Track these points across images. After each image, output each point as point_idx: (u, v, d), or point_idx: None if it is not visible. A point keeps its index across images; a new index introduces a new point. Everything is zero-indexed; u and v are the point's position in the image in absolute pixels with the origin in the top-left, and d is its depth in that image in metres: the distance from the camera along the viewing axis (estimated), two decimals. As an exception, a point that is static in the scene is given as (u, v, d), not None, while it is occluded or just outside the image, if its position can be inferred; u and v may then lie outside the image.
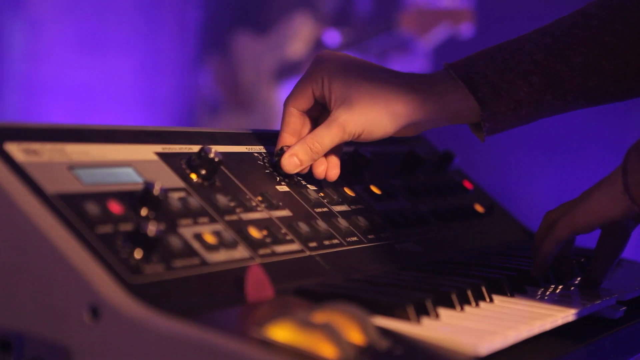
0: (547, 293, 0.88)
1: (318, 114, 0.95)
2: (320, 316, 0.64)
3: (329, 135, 0.90)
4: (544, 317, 0.77)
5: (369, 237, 0.92)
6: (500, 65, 0.93)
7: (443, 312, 0.75)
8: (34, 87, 4.83)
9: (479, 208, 1.12)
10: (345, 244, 0.89)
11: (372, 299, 0.73)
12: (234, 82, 2.97)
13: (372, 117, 0.90)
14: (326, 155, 0.94)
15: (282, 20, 2.88)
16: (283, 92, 2.87)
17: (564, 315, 0.79)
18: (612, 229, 0.92)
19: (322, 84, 0.91)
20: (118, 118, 4.27)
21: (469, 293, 0.79)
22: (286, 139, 0.93)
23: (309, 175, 0.94)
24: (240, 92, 2.94)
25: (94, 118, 4.50)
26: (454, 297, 0.77)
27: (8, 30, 5.09)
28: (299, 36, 2.85)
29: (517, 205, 1.33)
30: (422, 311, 0.72)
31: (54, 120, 4.73)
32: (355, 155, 1.02)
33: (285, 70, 2.86)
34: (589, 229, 0.88)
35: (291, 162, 0.90)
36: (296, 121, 0.94)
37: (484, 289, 0.81)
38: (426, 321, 0.72)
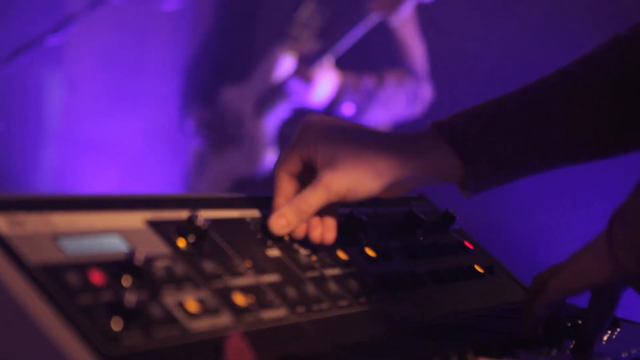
0: (539, 357, 0.88)
1: (309, 178, 0.96)
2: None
3: (315, 195, 0.92)
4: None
5: (361, 300, 0.92)
6: (484, 124, 0.95)
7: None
8: (71, 141, 4.91)
9: (478, 268, 1.12)
10: (335, 308, 0.89)
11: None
12: (219, 126, 3.01)
13: (356, 176, 0.92)
14: (322, 218, 0.96)
15: (263, 59, 2.89)
16: (268, 121, 2.89)
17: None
18: (601, 290, 0.92)
19: (309, 147, 0.94)
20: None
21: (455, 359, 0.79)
22: (279, 203, 0.95)
23: (303, 239, 0.95)
24: (225, 133, 2.98)
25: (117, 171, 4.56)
26: (436, 364, 0.76)
27: (48, 84, 5.20)
28: (281, 67, 2.87)
29: (520, 265, 1.33)
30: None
31: (87, 173, 4.79)
32: (350, 217, 1.02)
33: (268, 100, 2.87)
34: (578, 292, 0.88)
35: (278, 223, 0.92)
36: (288, 185, 0.95)
37: (469, 355, 0.81)
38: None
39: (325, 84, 2.70)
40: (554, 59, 1.12)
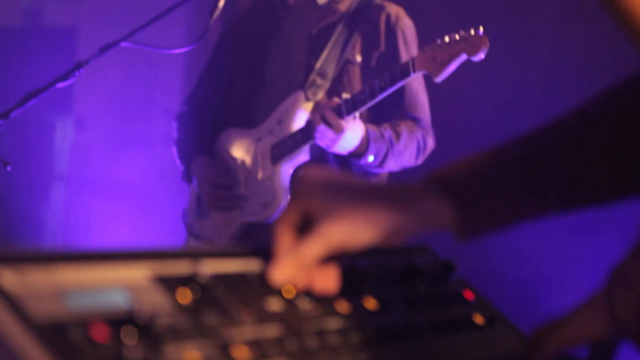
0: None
1: (308, 230, 0.98)
2: None
3: (313, 245, 0.94)
4: None
5: (361, 353, 0.93)
6: (479, 173, 0.98)
7: None
8: (78, 180, 4.94)
9: (478, 319, 1.13)
10: (335, 361, 0.90)
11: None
12: (226, 178, 2.97)
13: (354, 226, 0.94)
14: (322, 269, 0.97)
15: (274, 108, 2.88)
16: (285, 167, 2.85)
17: None
18: (599, 344, 0.93)
19: (307, 200, 0.96)
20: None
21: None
22: (279, 255, 0.97)
23: (303, 291, 0.96)
24: (233, 186, 2.94)
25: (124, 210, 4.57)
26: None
27: (57, 124, 5.24)
28: (294, 115, 2.84)
29: (522, 313, 1.34)
30: None
31: (93, 214, 4.81)
32: (351, 268, 1.04)
33: (290, 146, 2.82)
34: (577, 345, 0.89)
35: (277, 274, 0.94)
36: (287, 237, 0.97)
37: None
38: None
39: (354, 134, 2.69)
40: (546, 110, 1.15)
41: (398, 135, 2.76)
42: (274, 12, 2.95)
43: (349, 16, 2.86)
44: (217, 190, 2.87)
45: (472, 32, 2.51)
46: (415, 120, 2.84)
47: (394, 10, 2.90)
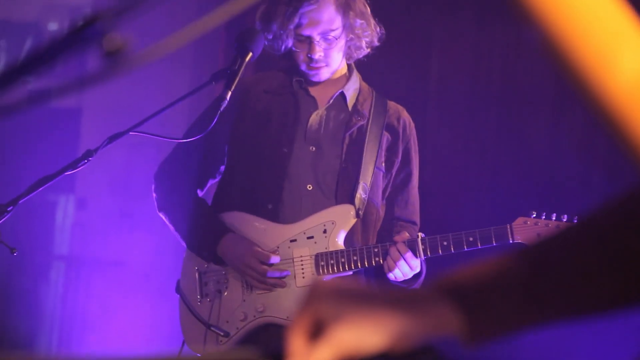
0: None
1: (319, 336, 1.01)
2: None
3: (324, 351, 0.99)
4: None
5: None
6: (486, 282, 1.01)
7: None
8: (80, 262, 4.95)
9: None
10: None
11: None
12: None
13: (363, 332, 0.99)
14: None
15: (308, 209, 2.84)
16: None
17: None
18: None
19: (319, 306, 1.00)
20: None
21: None
22: (291, 360, 1.00)
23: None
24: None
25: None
26: None
27: (62, 205, 5.27)
28: (340, 230, 2.80)
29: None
30: None
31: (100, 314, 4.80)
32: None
33: (331, 265, 2.76)
34: None
35: None
36: (299, 344, 1.01)
37: None
38: None
39: (416, 270, 2.74)
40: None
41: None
42: (296, 102, 2.92)
43: (373, 120, 2.87)
44: (262, 267, 2.77)
45: (575, 220, 2.56)
46: (415, 225, 2.90)
47: (406, 115, 2.95)
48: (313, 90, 2.91)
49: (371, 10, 2.86)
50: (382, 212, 2.87)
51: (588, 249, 1.00)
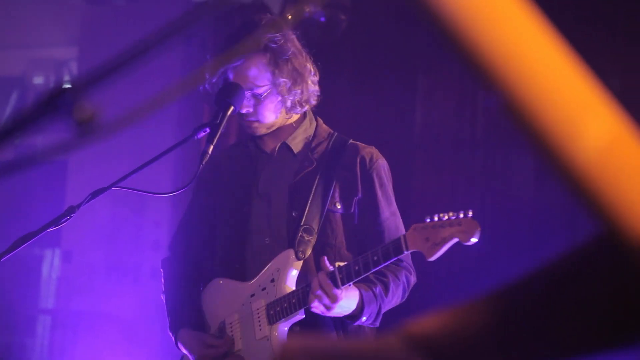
0: None
1: None
2: None
3: None
4: None
5: None
6: (454, 330, 1.03)
7: None
8: (65, 315, 4.93)
9: None
10: None
11: None
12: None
13: None
14: None
15: (264, 263, 2.88)
16: (279, 330, 2.81)
17: None
18: None
19: None
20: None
21: None
22: None
23: None
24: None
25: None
26: None
27: (48, 258, 5.26)
28: (286, 275, 2.82)
29: None
30: None
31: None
32: None
33: (285, 308, 2.78)
34: None
35: None
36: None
37: None
38: None
39: (349, 302, 2.69)
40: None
41: (387, 288, 2.76)
42: (252, 160, 2.99)
43: (325, 163, 2.89)
44: (212, 350, 2.86)
45: (462, 215, 2.49)
46: (397, 261, 2.83)
47: (367, 152, 2.92)
48: (264, 144, 2.97)
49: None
50: (345, 251, 2.86)
51: (553, 298, 1.00)
